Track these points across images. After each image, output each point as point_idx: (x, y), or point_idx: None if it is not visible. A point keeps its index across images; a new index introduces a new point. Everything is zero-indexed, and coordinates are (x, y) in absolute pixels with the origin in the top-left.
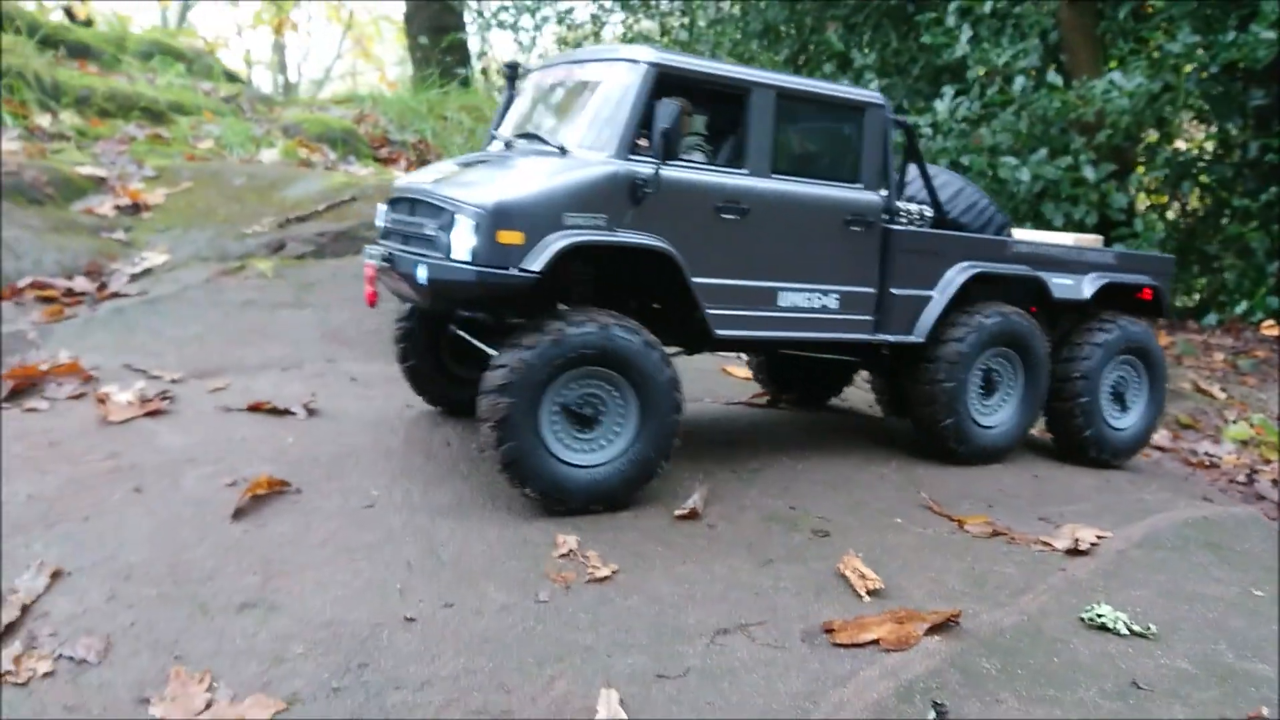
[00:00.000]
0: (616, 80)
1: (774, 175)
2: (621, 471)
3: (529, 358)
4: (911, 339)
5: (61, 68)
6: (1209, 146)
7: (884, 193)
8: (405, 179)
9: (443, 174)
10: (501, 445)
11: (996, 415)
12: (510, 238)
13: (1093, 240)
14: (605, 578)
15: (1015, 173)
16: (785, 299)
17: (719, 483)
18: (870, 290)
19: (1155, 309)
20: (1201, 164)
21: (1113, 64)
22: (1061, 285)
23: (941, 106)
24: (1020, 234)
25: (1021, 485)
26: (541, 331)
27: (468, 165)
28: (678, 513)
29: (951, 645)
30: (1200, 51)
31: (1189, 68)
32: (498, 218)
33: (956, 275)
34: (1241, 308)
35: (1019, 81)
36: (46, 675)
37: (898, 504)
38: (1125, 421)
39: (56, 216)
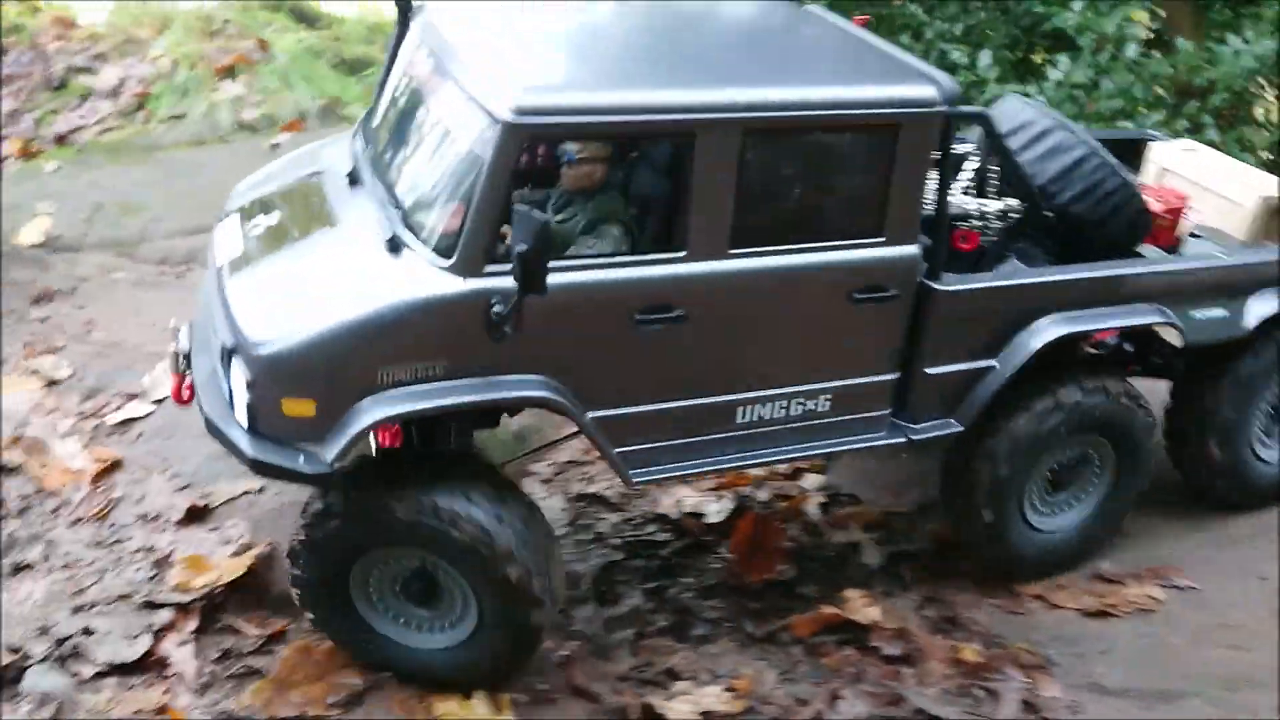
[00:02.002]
0: (467, 137)
1: (731, 254)
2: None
3: (311, 559)
4: (949, 429)
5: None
6: None
7: (922, 240)
8: (239, 196)
9: (260, 224)
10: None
11: (1059, 518)
12: (297, 408)
13: (1270, 188)
14: None
15: None
16: (746, 414)
17: None
18: (887, 378)
19: None
20: None
21: (1217, 27)
22: (1204, 321)
23: (1055, 74)
24: (1164, 152)
25: None
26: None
27: (287, 208)
28: None
29: None
30: None
31: None
32: (278, 375)
33: (1035, 335)
34: None
35: (1131, 48)
36: None
37: None
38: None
39: None
